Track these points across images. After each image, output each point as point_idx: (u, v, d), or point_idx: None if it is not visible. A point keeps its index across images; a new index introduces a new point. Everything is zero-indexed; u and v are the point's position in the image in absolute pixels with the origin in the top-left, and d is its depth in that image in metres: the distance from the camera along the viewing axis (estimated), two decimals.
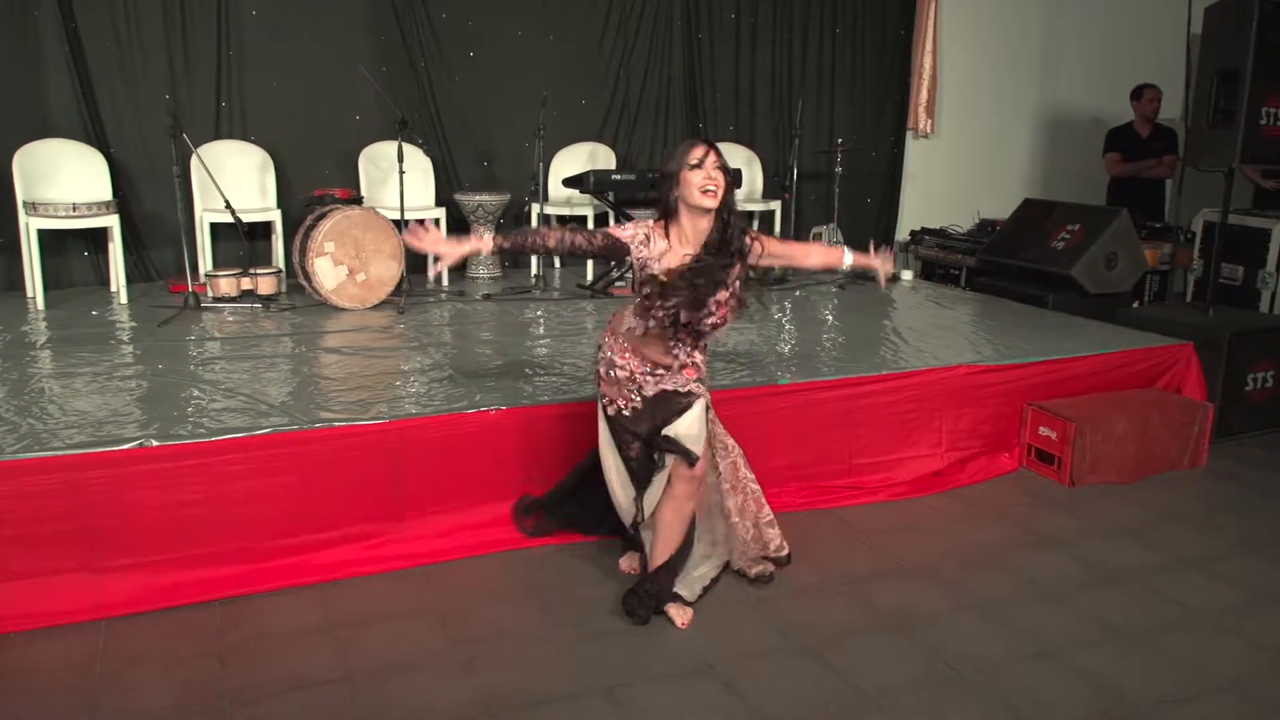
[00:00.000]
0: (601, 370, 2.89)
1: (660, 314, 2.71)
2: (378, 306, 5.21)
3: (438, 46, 6.20)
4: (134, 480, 2.97)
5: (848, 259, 3.00)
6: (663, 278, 2.69)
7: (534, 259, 6.10)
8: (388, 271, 5.22)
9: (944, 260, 7.00)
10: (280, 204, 5.78)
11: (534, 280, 5.88)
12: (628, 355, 2.83)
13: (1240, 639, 2.95)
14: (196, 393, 3.55)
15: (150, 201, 5.69)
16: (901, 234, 7.60)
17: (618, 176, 5.91)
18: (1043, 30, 7.92)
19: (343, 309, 5.12)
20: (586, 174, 5.83)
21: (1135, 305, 5.80)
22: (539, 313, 5.25)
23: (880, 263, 2.99)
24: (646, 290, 2.71)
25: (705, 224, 2.68)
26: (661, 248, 2.70)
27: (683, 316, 2.70)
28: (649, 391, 2.83)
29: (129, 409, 3.34)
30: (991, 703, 2.57)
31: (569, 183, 5.95)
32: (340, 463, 3.21)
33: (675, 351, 2.80)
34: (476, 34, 6.27)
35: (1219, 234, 5.22)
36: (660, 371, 2.83)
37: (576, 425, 3.50)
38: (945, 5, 7.47)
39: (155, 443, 3.01)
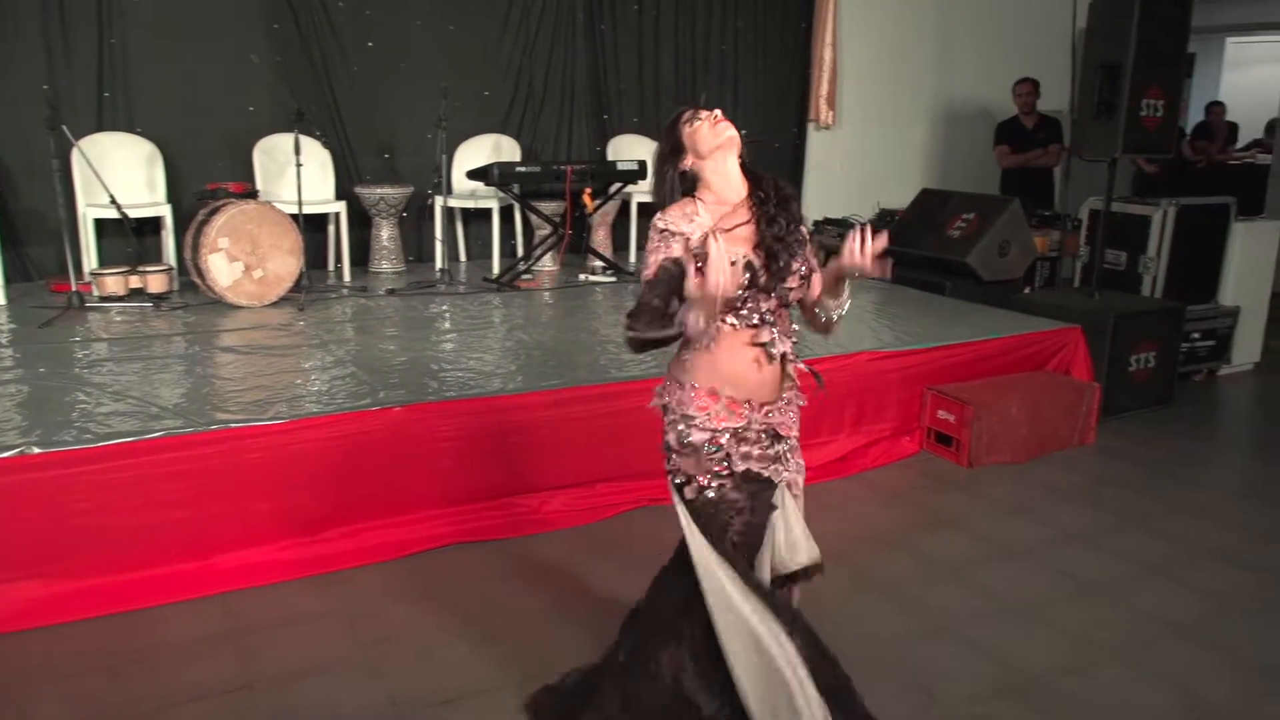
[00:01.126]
0: (671, 440, 2.10)
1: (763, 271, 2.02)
2: (276, 304, 5.07)
3: (334, 36, 6.05)
4: (15, 490, 2.84)
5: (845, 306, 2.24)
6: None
7: (438, 252, 6.01)
8: (286, 267, 5.09)
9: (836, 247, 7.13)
10: (170, 198, 5.58)
11: (439, 274, 5.80)
12: (704, 398, 2.06)
13: (1125, 609, 3.09)
14: (82, 397, 3.41)
15: (28, 197, 5.42)
16: (805, 224, 7.73)
17: (523, 169, 5.87)
18: (937, 25, 8.14)
19: (239, 307, 4.98)
20: (491, 166, 5.78)
21: (1027, 291, 6.02)
22: (444, 307, 5.19)
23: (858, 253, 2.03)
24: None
25: (736, 168, 2.14)
26: (706, 219, 2.05)
27: (773, 263, 2.03)
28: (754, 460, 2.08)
29: (8, 415, 3.19)
30: (894, 680, 2.65)
31: (473, 175, 5.88)
32: (238, 466, 3.12)
33: (772, 341, 2.08)
34: (375, 23, 6.14)
35: (1103, 221, 5.45)
36: (769, 411, 2.10)
37: (485, 420, 3.48)
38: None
39: (37, 450, 2.88)
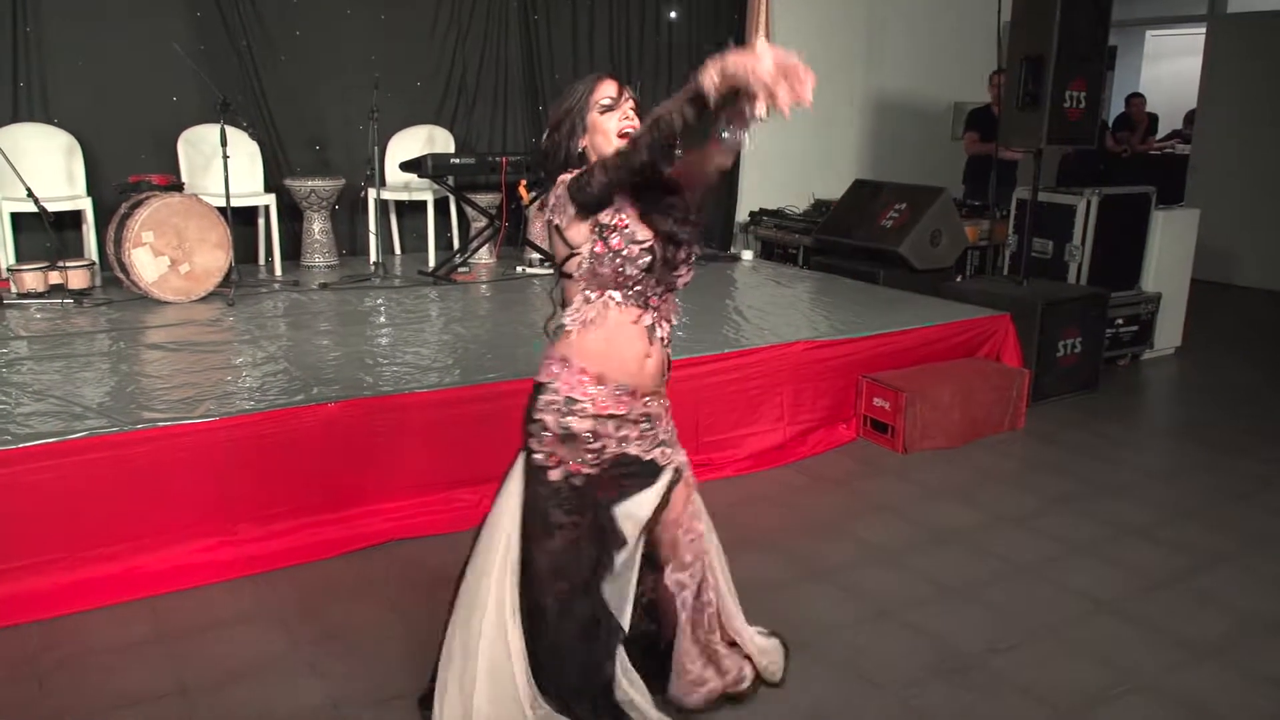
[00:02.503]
0: (549, 420, 2.10)
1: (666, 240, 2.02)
2: (205, 299, 4.95)
3: (260, 24, 5.91)
4: None
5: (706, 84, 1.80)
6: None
7: (372, 245, 5.91)
8: (214, 261, 4.96)
9: (782, 240, 7.21)
10: (91, 191, 5.40)
11: (373, 268, 5.71)
12: (592, 384, 2.08)
13: (1055, 587, 3.18)
14: (1, 397, 3.29)
15: None
16: (741, 215, 7.78)
17: (456, 160, 5.81)
18: (867, 17, 8.23)
19: (165, 302, 4.84)
20: (424, 158, 5.71)
21: (958, 279, 6.14)
22: (379, 301, 5.11)
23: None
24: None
25: None
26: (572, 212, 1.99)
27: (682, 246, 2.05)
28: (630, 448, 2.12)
29: None
30: (834, 663, 2.68)
31: (406, 167, 5.80)
32: (166, 466, 3.04)
33: (654, 325, 2.11)
34: (303, 12, 6.01)
35: (1030, 211, 5.57)
36: (648, 400, 2.14)
37: (422, 414, 3.44)
38: None
39: None
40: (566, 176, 2.01)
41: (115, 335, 4.27)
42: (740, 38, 7.61)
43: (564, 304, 2.13)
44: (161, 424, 3.06)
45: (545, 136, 2.12)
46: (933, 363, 4.72)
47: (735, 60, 1.71)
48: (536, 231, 6.61)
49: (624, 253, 2.00)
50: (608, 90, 2.07)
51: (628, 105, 2.08)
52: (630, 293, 2.06)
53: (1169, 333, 6.08)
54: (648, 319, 2.10)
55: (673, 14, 7.26)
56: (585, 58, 7.03)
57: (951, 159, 8.10)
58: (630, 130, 2.03)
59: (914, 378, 4.46)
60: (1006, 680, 2.65)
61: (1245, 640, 2.89)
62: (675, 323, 2.19)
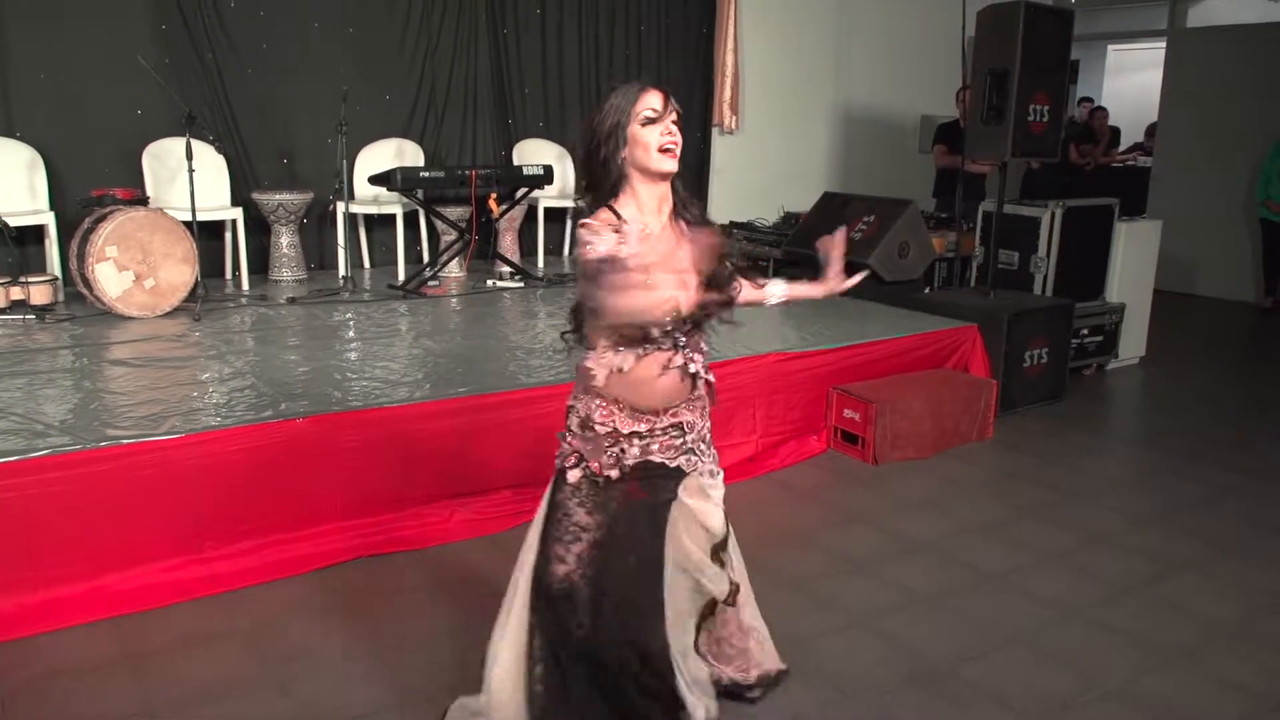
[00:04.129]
0: (573, 424, 2.11)
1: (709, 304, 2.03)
2: (170, 314, 4.90)
3: (227, 37, 5.88)
4: None
5: (775, 294, 2.34)
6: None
7: (341, 259, 5.89)
8: (180, 276, 4.92)
9: (752, 253, 7.23)
10: (53, 206, 5.33)
11: (342, 282, 5.68)
12: (609, 407, 2.07)
13: (1025, 596, 3.21)
14: None
15: None
16: None
17: (426, 174, 5.80)
18: (834, 31, 8.34)
19: (130, 318, 4.79)
20: (393, 171, 5.69)
21: (927, 291, 6.20)
22: (348, 315, 5.08)
23: (833, 277, 2.38)
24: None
25: (665, 190, 2.06)
26: (634, 237, 1.95)
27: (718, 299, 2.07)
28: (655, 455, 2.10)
29: None
30: (807, 675, 2.69)
31: (375, 180, 5.78)
32: (131, 484, 3.00)
33: (686, 365, 2.07)
34: (269, 25, 5.99)
35: (995, 222, 5.65)
36: (678, 431, 2.11)
37: (392, 429, 3.42)
38: (745, 5, 7.73)
39: None
40: (603, 234, 1.91)
41: (78, 351, 4.21)
42: (709, 52, 7.68)
43: (580, 327, 2.08)
44: (125, 441, 3.02)
45: (589, 150, 2.02)
46: (902, 374, 4.76)
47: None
48: (507, 245, 6.62)
49: None
50: (652, 102, 1.99)
51: (671, 119, 2.01)
52: (659, 338, 2.01)
53: (1133, 342, 6.18)
54: (679, 360, 2.05)
55: None
56: (555, 70, 7.06)
57: (919, 171, 8.21)
58: (672, 145, 1.98)
59: (884, 389, 4.50)
60: (977, 688, 2.68)
61: (1212, 646, 2.94)
62: (708, 349, 2.14)
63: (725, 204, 7.84)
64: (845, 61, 8.42)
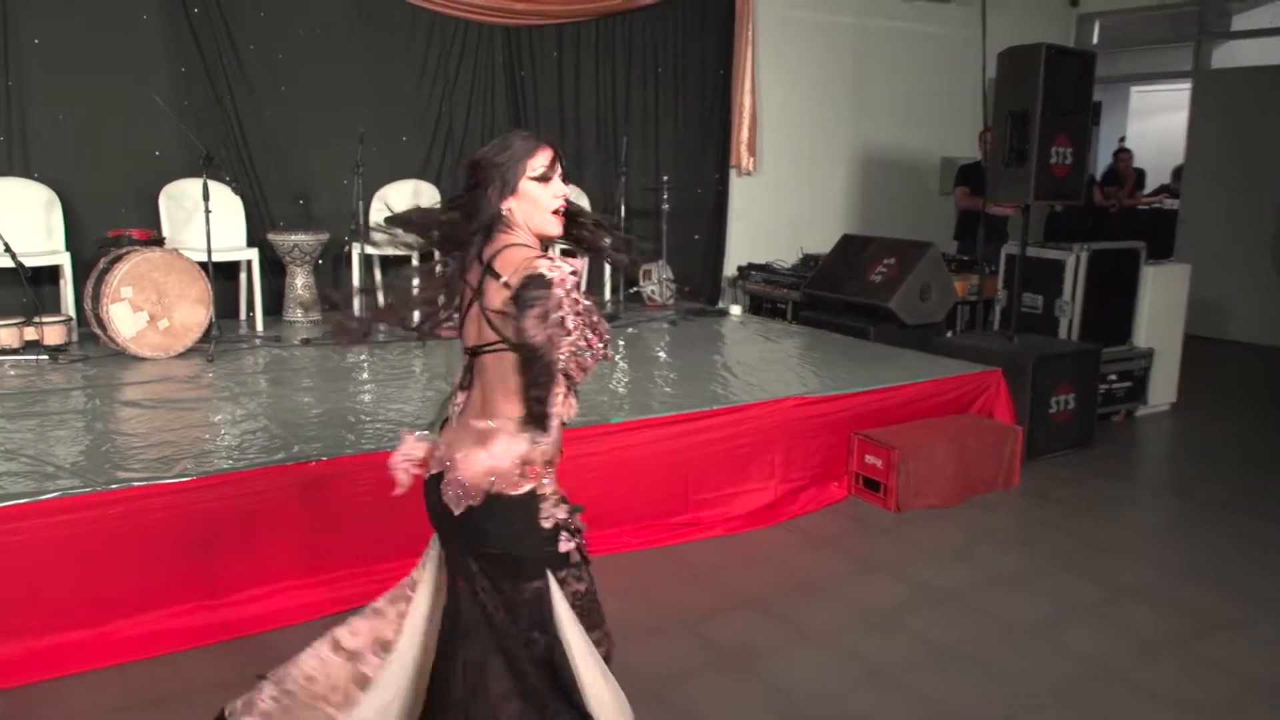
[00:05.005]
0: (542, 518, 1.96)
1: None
2: (183, 355, 4.94)
3: (245, 79, 5.98)
4: None
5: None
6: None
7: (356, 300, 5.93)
8: (194, 317, 4.96)
9: (771, 295, 7.27)
10: (69, 246, 5.41)
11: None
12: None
13: (1055, 650, 3.16)
14: None
15: None
16: (729, 269, 7.85)
17: (443, 215, 5.84)
18: (853, 71, 8.41)
19: (143, 359, 4.83)
20: (410, 212, 5.74)
21: (948, 335, 6.19)
22: (363, 357, 5.11)
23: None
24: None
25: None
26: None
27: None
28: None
29: None
30: None
31: (391, 221, 5.83)
32: (142, 527, 3.01)
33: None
34: (287, 67, 6.09)
35: (1019, 265, 5.64)
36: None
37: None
38: (763, 47, 7.81)
39: None
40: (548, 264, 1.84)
41: (90, 392, 4.25)
42: (727, 93, 7.75)
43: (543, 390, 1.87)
44: (137, 484, 3.04)
45: (467, 184, 2.00)
46: (925, 419, 4.73)
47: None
48: None
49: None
50: (544, 160, 1.98)
51: (560, 177, 2.00)
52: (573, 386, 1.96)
53: (1163, 388, 6.13)
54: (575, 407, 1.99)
55: None
56: (572, 112, 7.14)
57: (940, 214, 8.23)
58: (560, 207, 1.98)
59: (906, 434, 4.47)
60: None
61: (1248, 705, 2.88)
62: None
63: (744, 246, 7.88)
64: (864, 102, 8.49)
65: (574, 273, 1.84)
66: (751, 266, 7.64)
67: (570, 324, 1.82)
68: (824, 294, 6.50)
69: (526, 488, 1.92)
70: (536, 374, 1.82)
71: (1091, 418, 5.40)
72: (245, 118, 6.01)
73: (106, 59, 5.58)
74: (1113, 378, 5.80)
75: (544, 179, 1.98)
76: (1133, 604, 3.51)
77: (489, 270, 1.93)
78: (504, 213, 1.97)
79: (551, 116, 7.08)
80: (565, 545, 1.96)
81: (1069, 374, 5.23)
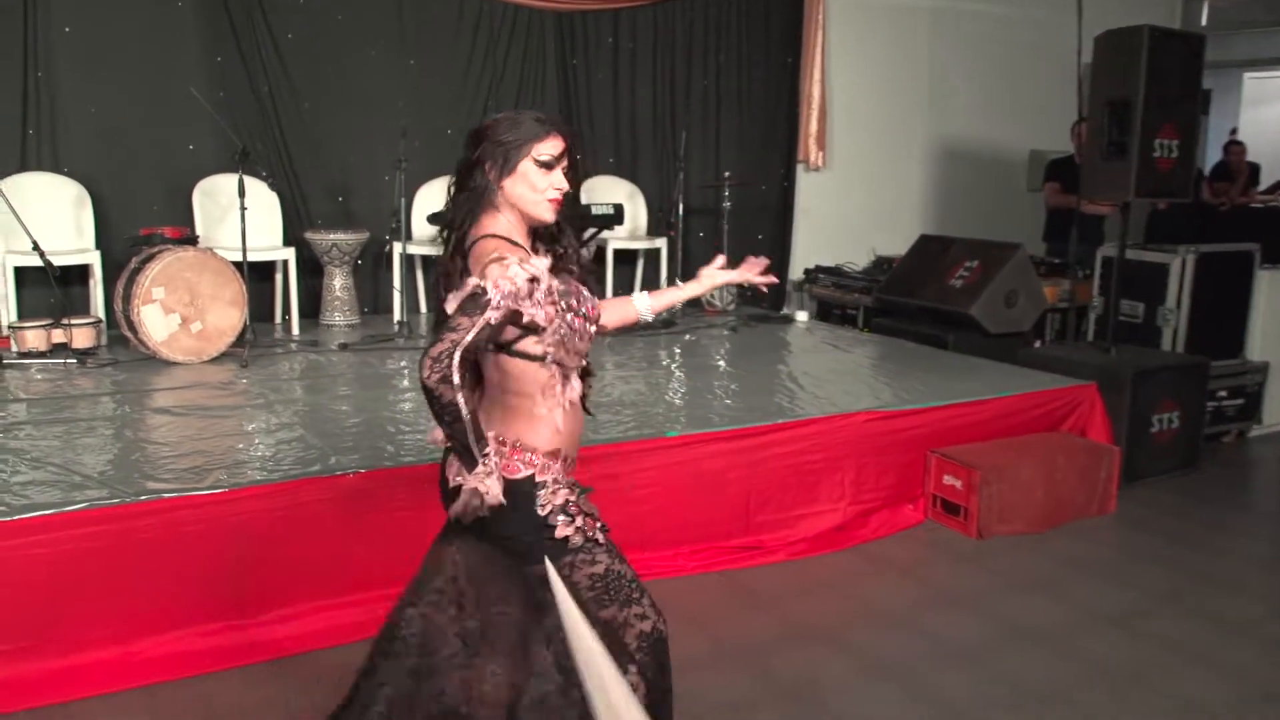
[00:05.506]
0: (545, 507, 2.03)
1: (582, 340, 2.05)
2: (216, 359, 5.04)
3: (283, 69, 6.11)
4: None
5: (642, 308, 2.41)
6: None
7: (396, 303, 6.02)
8: (227, 320, 5.07)
9: (840, 300, 7.22)
10: (99, 244, 5.57)
11: (397, 327, 5.80)
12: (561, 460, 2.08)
13: (1160, 697, 3.08)
14: None
15: None
16: (795, 272, 7.82)
17: None
18: (930, 59, 8.32)
19: (175, 363, 4.94)
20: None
21: (1037, 345, 6.09)
22: (403, 363, 5.17)
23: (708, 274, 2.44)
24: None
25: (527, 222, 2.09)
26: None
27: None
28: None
29: None
30: None
31: (434, 219, 5.91)
32: (172, 541, 3.07)
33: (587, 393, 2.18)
34: (328, 57, 6.21)
35: (1117, 269, 5.54)
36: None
37: None
38: (833, 32, 7.78)
39: None
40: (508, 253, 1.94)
41: (120, 398, 4.36)
42: (794, 83, 7.73)
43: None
44: (167, 495, 3.10)
45: (473, 160, 2.06)
46: (1011, 437, 4.66)
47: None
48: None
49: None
50: (553, 148, 2.03)
51: (564, 167, 2.06)
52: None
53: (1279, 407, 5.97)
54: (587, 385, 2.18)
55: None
56: (627, 104, 7.17)
57: (1028, 212, 8.11)
58: (557, 197, 2.05)
59: (990, 453, 4.40)
60: None
61: None
62: None
63: (811, 246, 7.85)
64: (944, 91, 8.40)
65: (533, 279, 1.91)
66: (819, 269, 7.60)
67: (542, 319, 1.93)
68: (899, 299, 6.44)
69: (525, 473, 2.01)
70: (437, 415, 1.89)
71: (1197, 438, 5.27)
72: (283, 111, 6.14)
73: (139, 49, 5.74)
74: (1222, 394, 5.66)
75: (547, 166, 2.03)
76: (1243, 645, 3.41)
77: (465, 260, 2.00)
78: (498, 188, 2.04)
79: (605, 109, 7.12)
80: (564, 530, 2.02)
81: (1172, 390, 5.11)
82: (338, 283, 6.12)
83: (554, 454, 2.04)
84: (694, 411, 4.30)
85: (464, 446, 1.91)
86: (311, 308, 6.19)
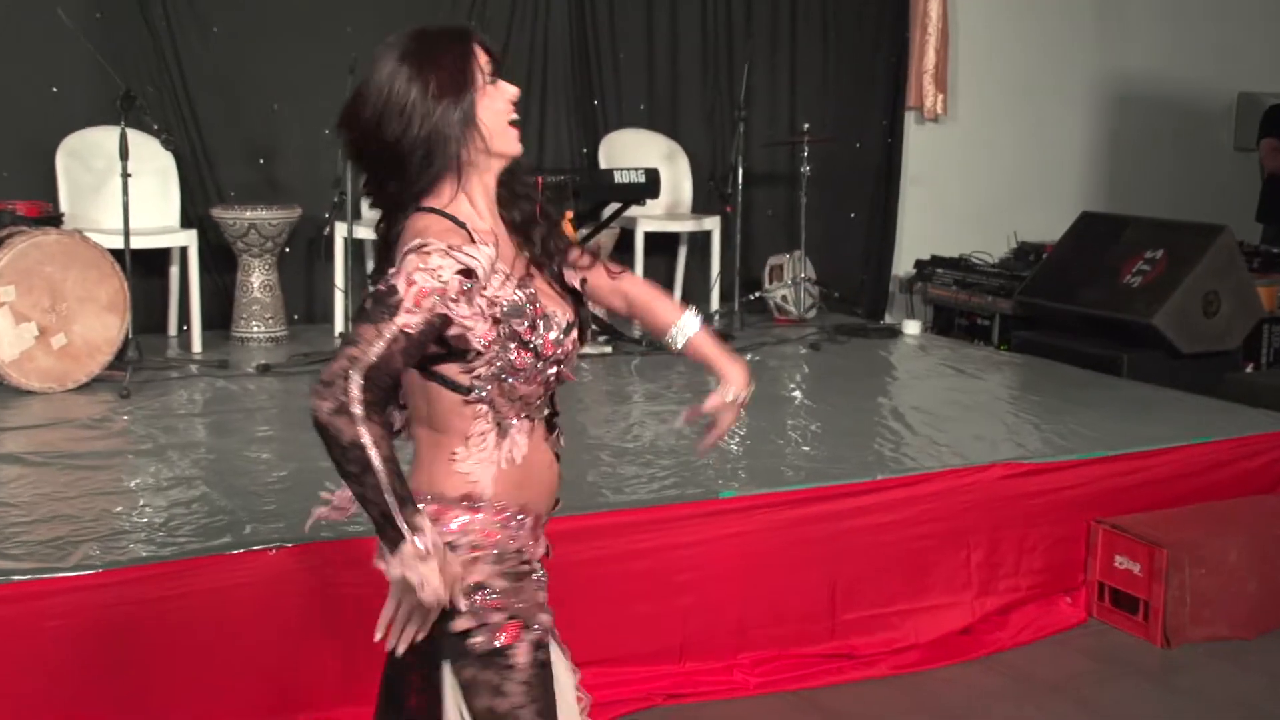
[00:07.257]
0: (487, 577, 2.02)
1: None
2: (87, 387, 5.09)
3: None
4: None
5: (686, 327, 2.25)
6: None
7: (338, 307, 6.07)
8: (103, 330, 5.12)
9: (966, 304, 7.21)
10: None
11: (339, 340, 5.83)
12: (508, 519, 2.06)
13: None
14: None
15: None
16: (903, 265, 7.80)
17: None
18: None
19: (29, 391, 4.99)
20: None
21: (1249, 369, 6.05)
22: None
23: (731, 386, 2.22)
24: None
25: (493, 180, 2.09)
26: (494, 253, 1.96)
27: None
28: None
29: None
30: None
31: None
32: (26, 639, 3.10)
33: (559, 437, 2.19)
34: None
35: None
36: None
37: None
38: None
39: None
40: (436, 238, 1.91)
41: None
42: (903, 3, 7.74)
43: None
44: (17, 579, 3.13)
45: (402, 132, 1.95)
46: (1210, 502, 4.65)
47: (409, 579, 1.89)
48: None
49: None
50: (482, 56, 2.02)
51: (510, 91, 2.07)
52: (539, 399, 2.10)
53: None
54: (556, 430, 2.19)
55: None
56: (665, 31, 7.17)
57: (1236, 181, 8.08)
58: (517, 118, 2.06)
59: (1181, 525, 4.39)
60: None
61: None
62: None
63: (925, 229, 7.82)
64: (1115, 13, 8.39)
65: (465, 271, 1.86)
66: (937, 262, 7.58)
67: (477, 335, 1.90)
68: (1051, 304, 6.42)
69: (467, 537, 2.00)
70: (338, 465, 1.85)
71: None
72: (184, 40, 6.19)
73: None
74: None
75: (493, 79, 2.03)
76: None
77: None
78: (465, 154, 1.99)
79: (636, 35, 7.13)
80: (463, 622, 1.98)
81: None
82: (257, 279, 6.14)
83: (482, 504, 2.00)
84: (758, 463, 4.30)
85: (381, 514, 1.84)
86: (220, 315, 6.22)
